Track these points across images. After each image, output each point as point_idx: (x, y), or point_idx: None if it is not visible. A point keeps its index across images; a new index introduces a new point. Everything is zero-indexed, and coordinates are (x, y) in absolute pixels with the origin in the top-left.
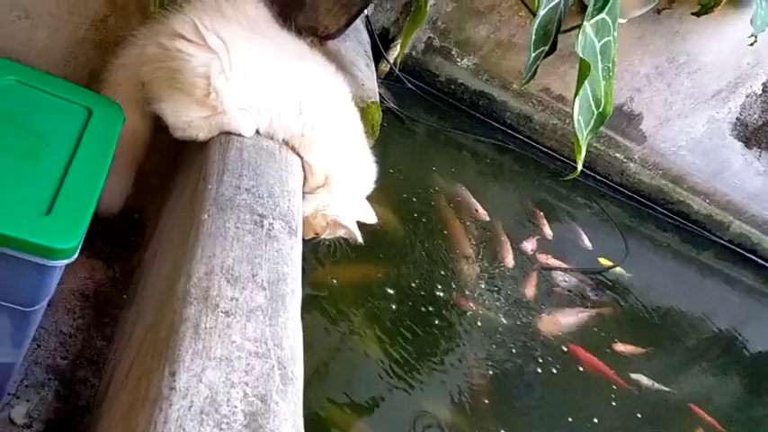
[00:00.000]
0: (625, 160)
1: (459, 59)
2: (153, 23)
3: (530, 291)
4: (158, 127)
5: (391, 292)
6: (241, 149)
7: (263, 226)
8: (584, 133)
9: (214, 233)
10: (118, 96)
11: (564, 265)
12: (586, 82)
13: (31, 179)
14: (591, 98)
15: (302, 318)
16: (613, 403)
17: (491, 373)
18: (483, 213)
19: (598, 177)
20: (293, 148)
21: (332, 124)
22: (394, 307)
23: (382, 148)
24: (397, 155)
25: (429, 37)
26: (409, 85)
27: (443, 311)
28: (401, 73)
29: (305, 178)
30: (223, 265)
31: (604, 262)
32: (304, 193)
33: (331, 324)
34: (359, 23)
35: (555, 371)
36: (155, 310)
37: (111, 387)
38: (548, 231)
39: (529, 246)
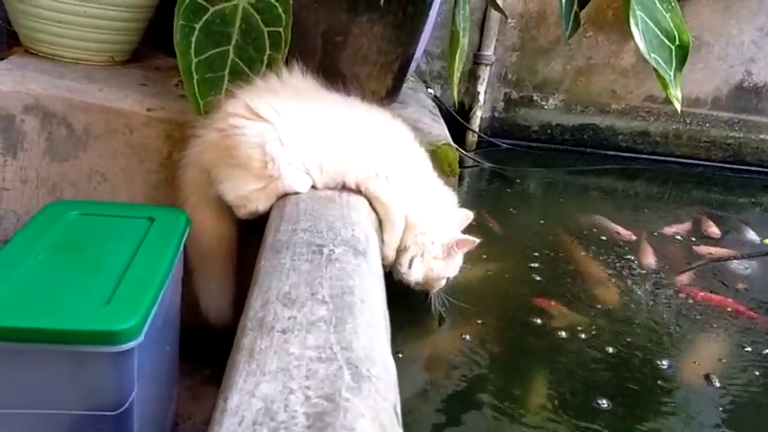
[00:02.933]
0: None
1: (544, 102)
2: (210, 115)
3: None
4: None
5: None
6: (297, 202)
7: (322, 253)
8: (671, 71)
9: (270, 271)
10: (191, 195)
11: (730, 253)
12: (647, 18)
13: (91, 286)
14: (660, 34)
15: None
16: None
17: None
18: (627, 234)
19: (751, 169)
20: (365, 196)
21: (399, 164)
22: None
23: (498, 214)
24: (517, 214)
25: (505, 93)
26: (504, 146)
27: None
28: (492, 138)
29: (383, 228)
30: (279, 293)
31: None
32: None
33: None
34: (423, 97)
35: None
36: None
37: None
38: (714, 231)
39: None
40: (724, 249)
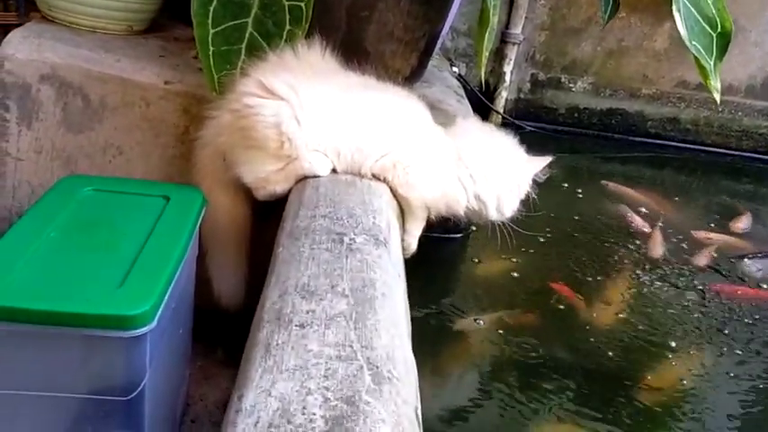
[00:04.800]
0: None
1: (572, 85)
2: (224, 96)
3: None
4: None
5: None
6: (317, 186)
7: (342, 242)
8: (711, 61)
9: (288, 260)
10: (206, 178)
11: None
12: (689, 3)
13: (104, 267)
14: (701, 20)
15: None
16: None
17: None
18: (641, 225)
19: None
20: (388, 184)
21: (418, 151)
22: None
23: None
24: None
25: (532, 74)
26: (529, 128)
27: None
28: (517, 120)
29: (406, 218)
30: (297, 284)
31: None
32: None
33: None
34: (447, 76)
35: None
36: None
37: None
38: (739, 225)
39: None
40: (730, 237)
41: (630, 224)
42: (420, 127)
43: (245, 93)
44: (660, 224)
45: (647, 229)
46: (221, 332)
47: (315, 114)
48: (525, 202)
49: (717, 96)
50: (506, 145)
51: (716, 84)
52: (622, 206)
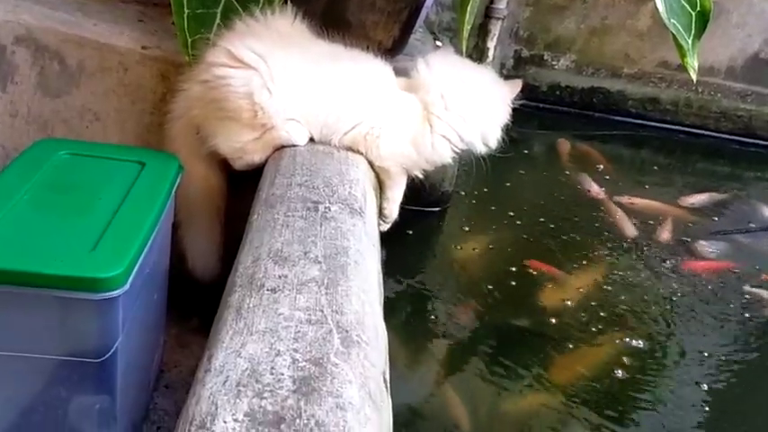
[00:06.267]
0: None
1: (554, 62)
2: (193, 68)
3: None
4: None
5: None
6: (294, 155)
7: (317, 211)
8: (690, 39)
9: (262, 226)
10: (180, 150)
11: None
12: None
13: (78, 230)
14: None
15: None
16: None
17: None
18: (597, 191)
19: (760, 143)
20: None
21: (388, 117)
22: None
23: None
24: (520, 176)
25: (515, 50)
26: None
27: None
28: None
29: (386, 185)
30: (271, 250)
31: None
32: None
33: None
34: (430, 50)
35: None
36: None
37: None
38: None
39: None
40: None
41: (588, 191)
42: (388, 95)
43: (215, 63)
44: (604, 190)
45: (601, 196)
46: (197, 301)
47: (285, 84)
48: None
49: (693, 75)
50: (482, 76)
51: (693, 62)
52: (583, 175)
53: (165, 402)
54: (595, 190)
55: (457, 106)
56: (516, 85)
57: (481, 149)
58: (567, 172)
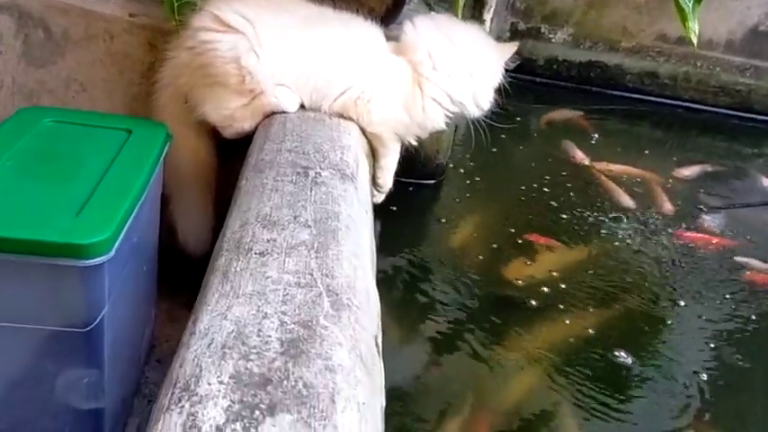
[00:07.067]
0: None
1: (552, 35)
2: (180, 35)
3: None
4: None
5: None
6: (284, 122)
7: (307, 176)
8: (690, 4)
9: (251, 191)
10: (168, 120)
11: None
12: None
13: (62, 197)
14: None
15: None
16: None
17: None
18: (582, 157)
19: (758, 117)
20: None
21: (379, 82)
22: None
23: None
24: (516, 153)
25: (512, 23)
26: (507, 79)
27: None
28: None
29: (379, 153)
30: (259, 214)
31: None
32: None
33: None
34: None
35: None
36: None
37: None
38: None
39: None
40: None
41: (572, 158)
42: (378, 59)
43: (201, 28)
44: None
45: (586, 162)
46: (188, 275)
47: (272, 49)
48: (499, 91)
49: (694, 39)
50: (474, 37)
51: (694, 27)
52: (568, 142)
53: (157, 376)
54: (579, 156)
55: (445, 65)
56: (511, 47)
57: (474, 112)
58: (562, 146)
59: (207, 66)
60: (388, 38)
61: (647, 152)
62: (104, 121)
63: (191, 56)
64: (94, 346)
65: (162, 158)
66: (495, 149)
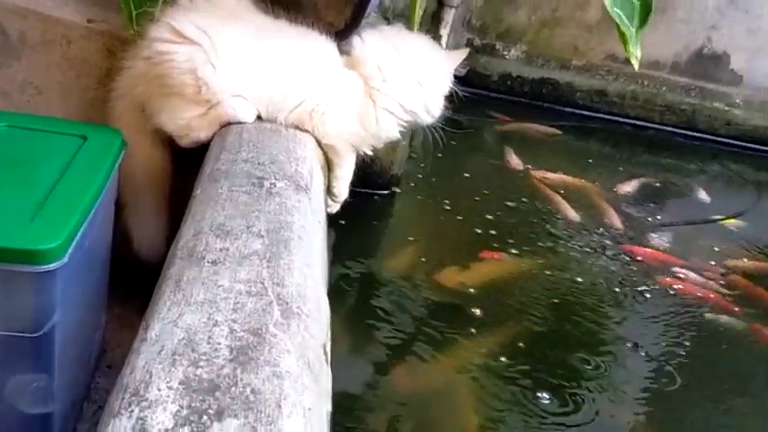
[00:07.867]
0: (727, 108)
1: (506, 52)
2: (136, 44)
3: None
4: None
5: None
6: (240, 132)
7: (262, 186)
8: (633, 29)
9: (205, 201)
10: (124, 127)
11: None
12: None
13: (15, 202)
14: None
15: None
16: None
17: None
18: (517, 163)
19: (702, 136)
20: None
21: (332, 94)
22: None
23: (449, 164)
24: (468, 164)
25: (468, 39)
26: (461, 93)
27: None
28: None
29: (335, 164)
30: (213, 223)
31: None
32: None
33: None
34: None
35: None
36: None
37: None
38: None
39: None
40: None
41: (508, 163)
42: (332, 72)
43: (158, 39)
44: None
45: (520, 168)
46: (142, 282)
47: (229, 60)
48: (449, 98)
49: (636, 64)
50: (422, 47)
51: (636, 51)
52: (507, 148)
53: (107, 382)
54: (515, 162)
55: (394, 76)
56: (460, 54)
57: (426, 119)
58: (505, 154)
59: (163, 76)
60: (341, 52)
61: (591, 164)
62: (60, 126)
63: (147, 66)
64: (44, 351)
65: (117, 165)
66: (448, 160)
